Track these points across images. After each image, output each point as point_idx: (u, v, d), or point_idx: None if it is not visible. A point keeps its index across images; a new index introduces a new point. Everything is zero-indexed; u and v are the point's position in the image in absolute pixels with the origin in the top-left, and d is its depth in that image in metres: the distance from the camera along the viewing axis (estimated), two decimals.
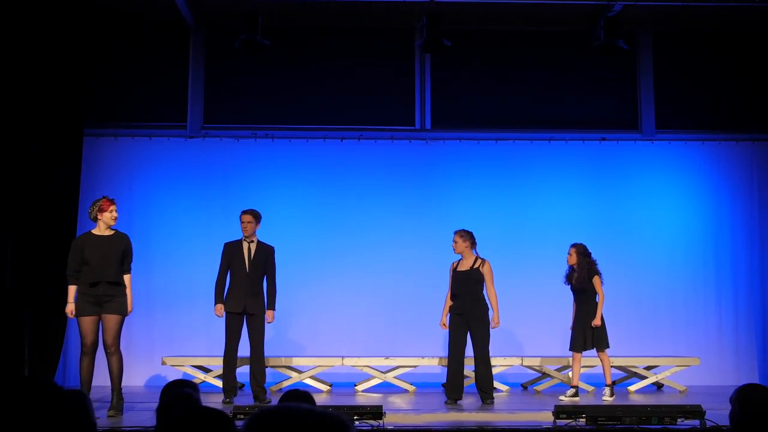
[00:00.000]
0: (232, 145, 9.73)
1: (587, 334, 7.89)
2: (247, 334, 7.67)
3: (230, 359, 7.67)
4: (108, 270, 6.80)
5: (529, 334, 9.41)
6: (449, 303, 7.82)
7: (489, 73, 10.06)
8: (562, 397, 7.87)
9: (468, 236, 7.80)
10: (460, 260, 7.87)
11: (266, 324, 7.71)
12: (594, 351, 8.05)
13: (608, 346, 7.95)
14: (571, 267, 8.06)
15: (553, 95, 10.00)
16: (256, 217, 7.76)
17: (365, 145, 9.79)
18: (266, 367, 7.87)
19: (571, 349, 8.04)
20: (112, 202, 6.99)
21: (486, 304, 7.71)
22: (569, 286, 8.09)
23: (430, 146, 9.86)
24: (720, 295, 9.69)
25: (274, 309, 7.71)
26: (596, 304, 7.93)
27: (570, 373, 8.27)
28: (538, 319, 9.47)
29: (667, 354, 9.21)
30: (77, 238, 7.10)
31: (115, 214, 6.94)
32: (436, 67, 9.94)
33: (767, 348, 9.63)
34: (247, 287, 7.62)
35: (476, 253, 7.83)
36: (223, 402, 7.49)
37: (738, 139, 9.91)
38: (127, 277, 6.93)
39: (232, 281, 7.70)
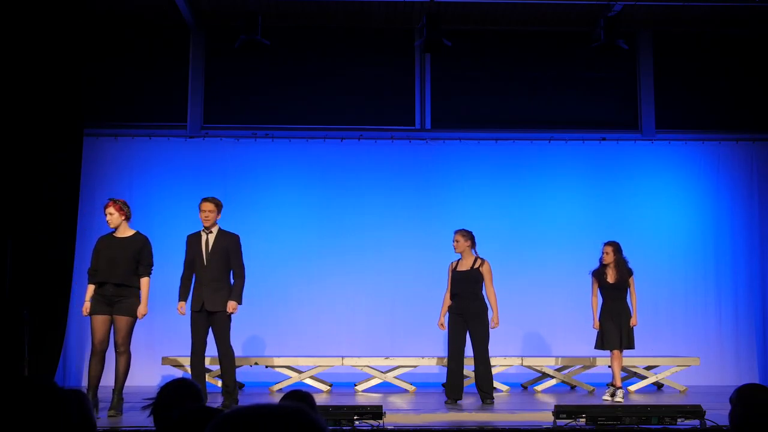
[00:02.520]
0: (232, 145, 9.73)
1: (623, 332, 7.80)
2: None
3: (196, 364, 7.15)
4: (114, 271, 6.81)
5: (529, 334, 9.41)
6: (447, 303, 7.82)
7: (489, 73, 10.07)
8: (605, 397, 7.75)
9: (469, 236, 7.80)
10: (459, 260, 7.86)
11: (231, 320, 7.19)
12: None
13: (634, 347, 7.90)
14: (603, 264, 7.98)
15: (553, 95, 10.01)
16: (218, 205, 7.17)
17: (365, 145, 9.79)
18: (236, 368, 7.40)
19: (607, 347, 7.86)
20: (108, 203, 6.96)
21: (485, 303, 7.70)
22: (599, 285, 7.95)
23: (430, 146, 9.86)
24: (720, 296, 9.69)
25: (237, 301, 7.12)
26: (628, 302, 7.90)
27: (612, 373, 7.99)
28: (538, 318, 9.48)
29: (667, 354, 9.21)
30: (99, 239, 7.14)
31: (107, 217, 6.91)
32: (436, 67, 9.94)
33: (767, 348, 9.63)
34: (206, 282, 7.11)
35: (475, 253, 7.83)
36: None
37: (738, 139, 9.91)
38: (142, 281, 6.89)
39: (195, 277, 7.26)
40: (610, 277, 7.92)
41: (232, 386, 7.19)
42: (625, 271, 7.93)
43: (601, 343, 7.91)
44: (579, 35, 9.78)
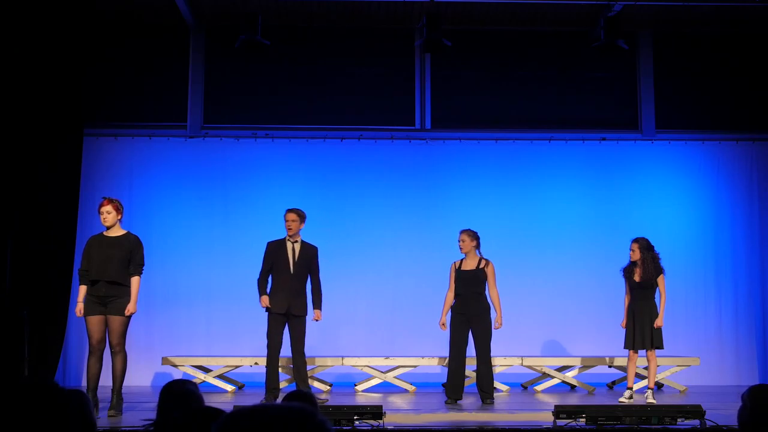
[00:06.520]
0: (232, 145, 9.73)
1: (645, 333, 7.61)
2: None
3: (273, 358, 7.62)
4: (107, 269, 6.79)
5: (528, 333, 9.40)
6: (449, 302, 7.82)
7: (489, 73, 10.06)
8: (622, 399, 7.65)
9: (475, 236, 7.81)
10: (462, 260, 7.86)
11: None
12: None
13: (662, 347, 7.71)
14: (632, 262, 7.77)
15: (553, 95, 10.00)
16: (301, 216, 7.69)
17: (365, 145, 9.79)
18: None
19: (626, 347, 7.77)
20: (104, 202, 6.96)
21: (488, 303, 7.71)
22: (627, 283, 7.79)
23: (430, 146, 9.86)
24: (720, 295, 9.69)
25: (321, 308, 7.73)
26: (655, 302, 7.69)
27: (627, 373, 7.93)
28: (538, 318, 9.47)
29: (667, 354, 9.20)
30: (88, 239, 7.13)
31: (104, 215, 6.90)
32: (436, 67, 9.94)
33: (767, 348, 9.63)
34: (291, 288, 7.58)
35: (479, 253, 7.83)
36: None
37: (738, 139, 9.91)
38: (132, 279, 6.88)
39: (273, 281, 7.66)
40: (637, 275, 7.70)
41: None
42: (651, 270, 7.66)
43: (624, 343, 7.81)
44: (579, 35, 9.79)
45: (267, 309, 7.63)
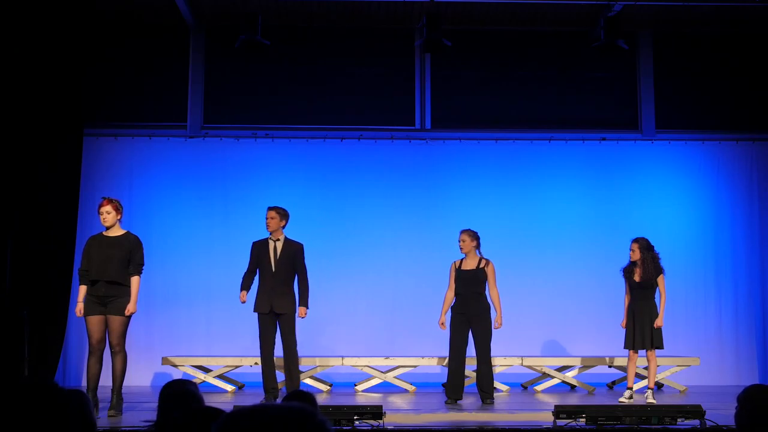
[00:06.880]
0: (232, 145, 9.74)
1: (645, 333, 7.61)
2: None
3: (267, 359, 7.59)
4: (107, 269, 6.79)
5: (528, 333, 9.40)
6: (449, 302, 7.82)
7: (489, 73, 10.07)
8: (622, 399, 7.64)
9: (475, 236, 7.81)
10: (462, 259, 7.86)
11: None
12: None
13: (662, 347, 7.72)
14: (632, 262, 7.77)
15: (553, 95, 10.01)
16: (281, 213, 7.66)
17: (365, 145, 9.79)
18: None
19: (626, 347, 7.77)
20: (103, 202, 6.96)
21: (488, 303, 7.71)
22: (627, 283, 7.79)
23: (430, 146, 9.86)
24: (720, 295, 9.69)
25: (306, 306, 7.60)
26: (655, 302, 7.69)
27: (626, 374, 7.95)
28: (538, 318, 9.48)
29: (667, 354, 9.20)
30: (88, 239, 7.13)
31: (104, 215, 6.90)
32: (436, 67, 9.94)
33: (767, 348, 9.63)
34: (273, 286, 7.54)
35: (480, 253, 7.84)
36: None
37: (738, 139, 9.91)
38: (132, 279, 6.88)
39: (259, 280, 7.65)
40: (637, 275, 7.70)
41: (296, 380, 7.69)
42: (651, 270, 7.66)
43: (625, 343, 7.81)
44: (579, 35, 9.79)
45: (256, 311, 7.61)
